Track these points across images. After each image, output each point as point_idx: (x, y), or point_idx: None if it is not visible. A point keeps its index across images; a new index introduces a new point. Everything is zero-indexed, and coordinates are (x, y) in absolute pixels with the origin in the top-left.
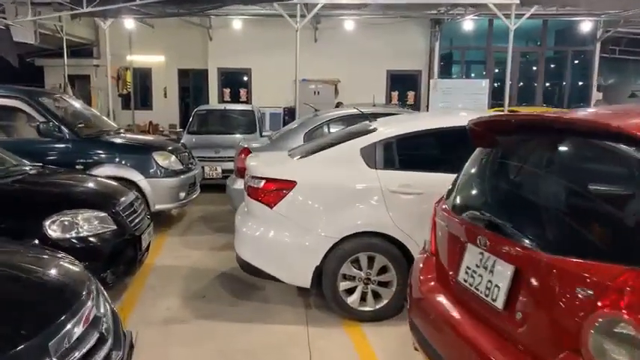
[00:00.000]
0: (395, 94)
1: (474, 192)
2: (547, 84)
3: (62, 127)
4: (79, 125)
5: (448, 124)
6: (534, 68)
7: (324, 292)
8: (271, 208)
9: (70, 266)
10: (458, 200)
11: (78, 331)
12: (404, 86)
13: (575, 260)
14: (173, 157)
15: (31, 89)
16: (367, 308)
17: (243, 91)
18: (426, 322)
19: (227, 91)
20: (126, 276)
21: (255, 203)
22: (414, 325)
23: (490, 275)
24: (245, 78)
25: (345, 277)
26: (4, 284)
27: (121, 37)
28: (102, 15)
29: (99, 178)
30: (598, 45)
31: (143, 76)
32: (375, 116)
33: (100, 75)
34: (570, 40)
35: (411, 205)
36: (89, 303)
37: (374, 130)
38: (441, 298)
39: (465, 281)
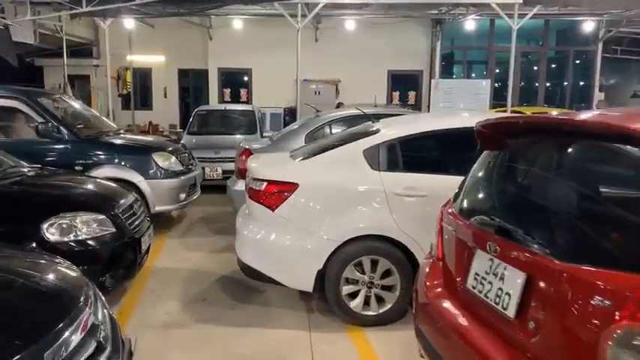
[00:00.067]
0: (396, 94)
1: (481, 196)
2: (548, 84)
3: (61, 127)
4: (78, 126)
5: (452, 126)
6: (536, 68)
7: (327, 296)
8: (273, 210)
9: (67, 271)
10: (465, 204)
11: (75, 339)
12: (405, 86)
13: (591, 269)
14: (173, 158)
15: (29, 89)
16: (370, 312)
17: (243, 92)
18: (432, 329)
19: (227, 91)
20: (125, 279)
21: (256, 205)
22: (419, 332)
23: (500, 282)
24: (245, 78)
25: (347, 281)
26: None
27: (120, 37)
28: (101, 15)
29: (98, 180)
30: (600, 45)
31: (143, 76)
32: (377, 117)
33: (99, 75)
34: (572, 39)
35: (415, 207)
36: (87, 310)
37: (377, 131)
38: (449, 305)
39: (474, 288)
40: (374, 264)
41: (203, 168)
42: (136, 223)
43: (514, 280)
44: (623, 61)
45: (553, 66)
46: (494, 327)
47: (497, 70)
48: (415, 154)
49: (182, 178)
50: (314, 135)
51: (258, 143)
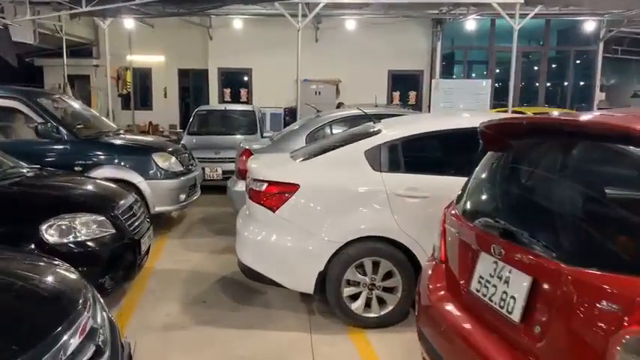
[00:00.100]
0: (396, 94)
1: (485, 197)
2: (549, 84)
3: (60, 128)
4: (78, 126)
5: (454, 126)
6: (536, 68)
7: (328, 298)
8: (273, 211)
9: (66, 274)
10: (469, 206)
11: (74, 342)
12: (405, 86)
13: (598, 273)
14: (173, 159)
15: (29, 89)
16: (372, 314)
17: (243, 92)
18: (435, 332)
19: (227, 91)
20: (125, 281)
21: (257, 207)
22: (422, 335)
23: (505, 286)
24: (246, 78)
25: (349, 283)
26: None
27: (120, 37)
28: (101, 14)
29: (97, 181)
30: (601, 45)
31: (143, 76)
32: (378, 117)
33: (99, 75)
34: (573, 39)
35: (417, 208)
36: (85, 313)
37: (378, 131)
38: (452, 308)
39: (478, 291)
40: (375, 265)
41: (203, 168)
42: (136, 224)
43: (519, 284)
44: (623, 61)
45: (554, 66)
46: (498, 331)
47: (498, 70)
48: (417, 155)
49: (182, 178)
50: (315, 135)
51: (259, 143)
